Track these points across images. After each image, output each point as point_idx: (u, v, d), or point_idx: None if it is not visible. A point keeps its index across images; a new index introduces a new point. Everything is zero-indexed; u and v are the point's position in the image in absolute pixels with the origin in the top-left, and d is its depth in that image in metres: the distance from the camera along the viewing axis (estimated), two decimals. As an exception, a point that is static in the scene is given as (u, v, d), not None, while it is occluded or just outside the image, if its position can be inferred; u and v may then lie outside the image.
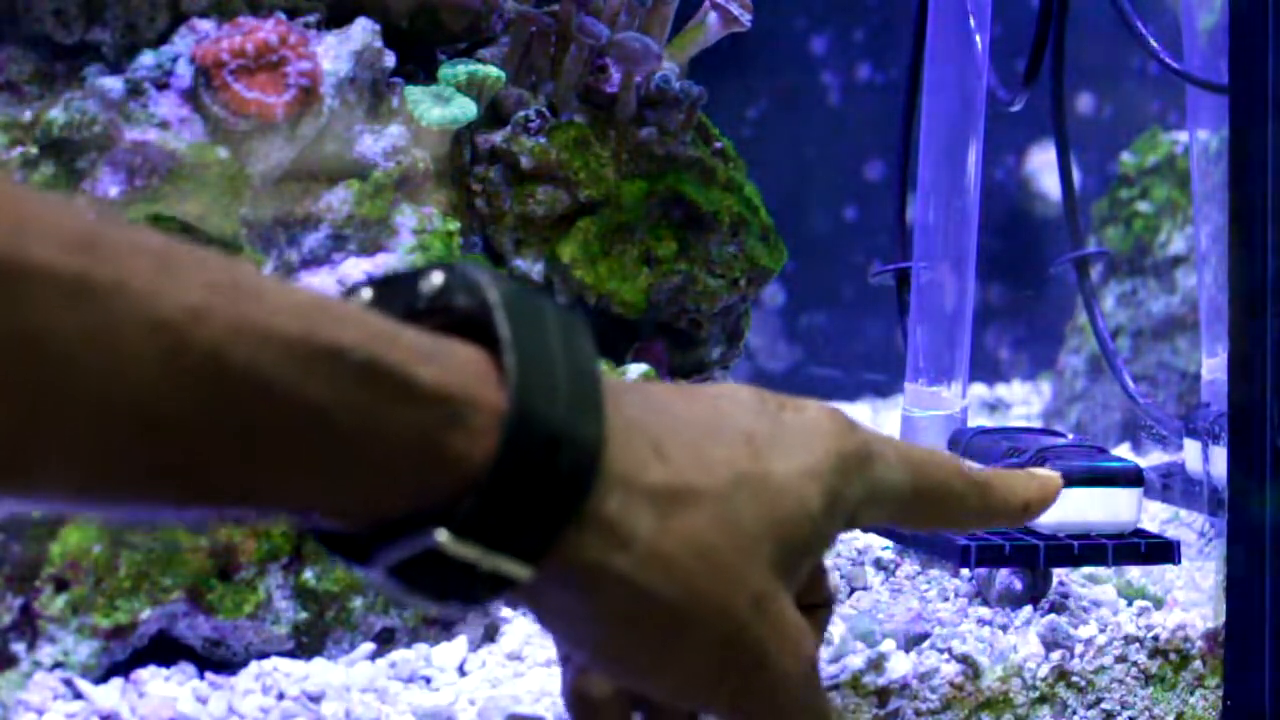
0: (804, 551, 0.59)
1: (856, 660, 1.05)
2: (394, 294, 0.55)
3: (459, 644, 1.05)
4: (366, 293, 0.55)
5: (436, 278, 0.55)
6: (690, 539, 0.56)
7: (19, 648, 1.00)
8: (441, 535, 0.52)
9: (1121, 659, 1.12)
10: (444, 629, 1.07)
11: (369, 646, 1.04)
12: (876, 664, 1.06)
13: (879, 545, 1.28)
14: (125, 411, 0.47)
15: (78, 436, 0.47)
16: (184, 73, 1.12)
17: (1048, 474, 0.67)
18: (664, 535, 0.55)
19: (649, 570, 0.55)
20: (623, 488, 0.55)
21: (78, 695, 1.00)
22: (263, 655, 1.03)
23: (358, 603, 1.04)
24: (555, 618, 0.57)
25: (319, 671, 1.00)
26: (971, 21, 1.31)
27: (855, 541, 1.30)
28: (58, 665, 1.00)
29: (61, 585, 0.99)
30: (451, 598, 0.54)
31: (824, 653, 1.05)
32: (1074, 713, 1.11)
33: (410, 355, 0.52)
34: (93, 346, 0.46)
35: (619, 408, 0.56)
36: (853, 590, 1.21)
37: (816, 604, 0.63)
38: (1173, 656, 1.13)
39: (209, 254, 0.50)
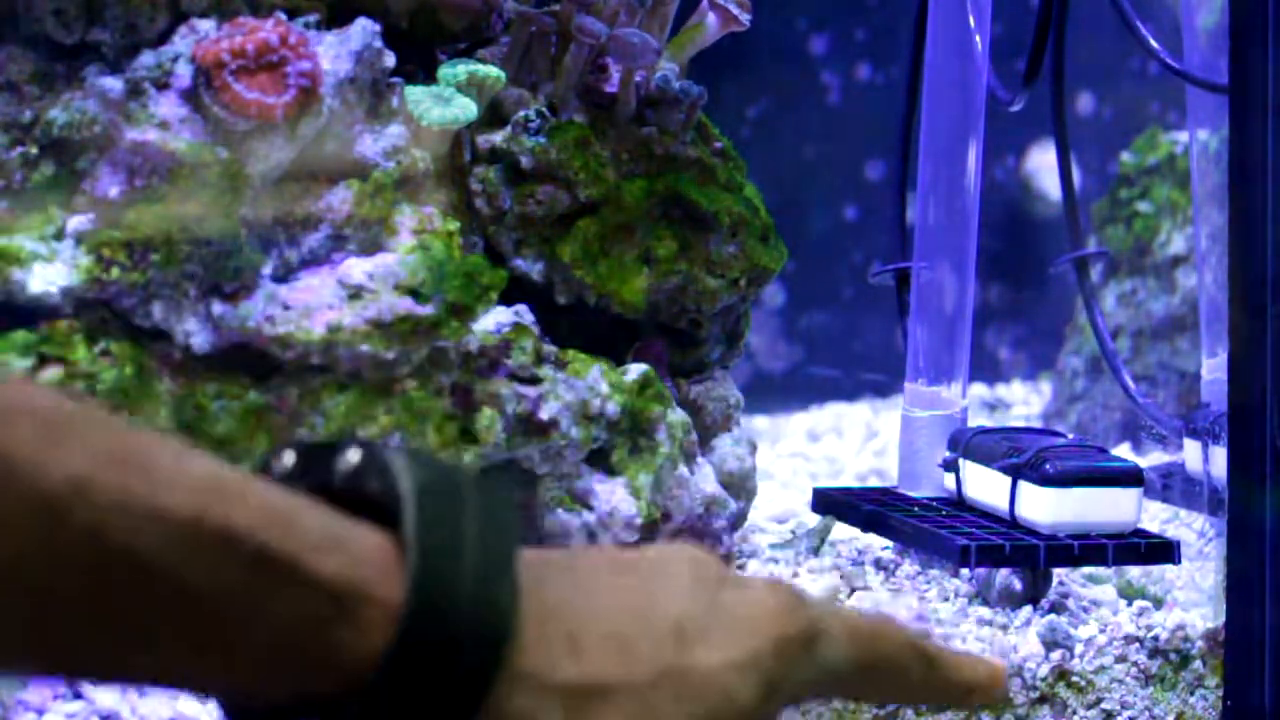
0: None
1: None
2: (316, 464, 0.53)
3: (459, 644, 1.05)
4: (289, 457, 0.53)
5: (352, 456, 0.53)
6: None
7: (19, 648, 0.99)
8: None
9: (1121, 659, 1.12)
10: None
11: (369, 646, 1.04)
12: (876, 664, 1.05)
13: (879, 545, 1.28)
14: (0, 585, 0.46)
15: None
16: (184, 73, 1.11)
17: (994, 662, 0.65)
18: None
19: None
20: (530, 685, 0.53)
21: (78, 695, 0.99)
22: (263, 655, 1.03)
23: (358, 603, 1.04)
24: None
25: (319, 671, 1.00)
26: (971, 21, 1.31)
27: (855, 541, 1.30)
28: (58, 665, 1.00)
29: None
30: None
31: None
32: (1074, 713, 1.11)
33: (305, 543, 0.50)
34: None
35: (539, 594, 0.54)
36: (853, 590, 1.21)
37: None
38: (1173, 656, 1.13)
39: (103, 418, 0.49)
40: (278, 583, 0.49)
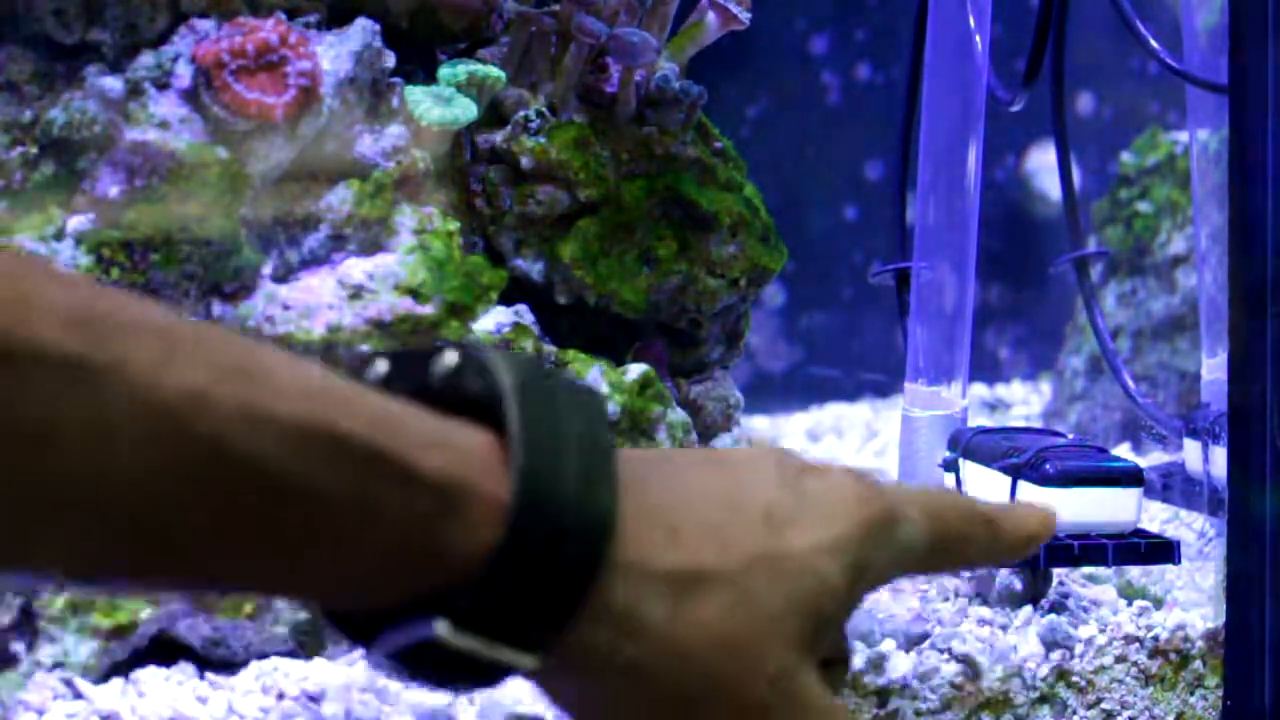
0: (825, 624, 0.58)
1: (856, 660, 1.05)
2: (408, 370, 0.54)
3: (459, 644, 1.05)
4: (383, 365, 0.54)
5: (450, 357, 0.54)
6: (704, 624, 0.55)
7: (19, 648, 1.00)
8: (440, 627, 0.52)
9: (1121, 659, 1.12)
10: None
11: (369, 646, 1.04)
12: (876, 664, 1.06)
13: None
14: (119, 496, 0.47)
15: (69, 521, 0.47)
16: (184, 73, 1.12)
17: (1044, 506, 0.67)
18: (676, 622, 0.54)
19: (661, 657, 0.54)
20: (634, 575, 0.54)
21: (78, 695, 1.00)
22: (263, 655, 1.03)
23: (358, 603, 1.04)
24: (564, 700, 0.56)
25: (319, 671, 1.00)
26: (971, 22, 1.31)
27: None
28: (58, 665, 1.00)
29: (62, 585, 0.99)
30: (453, 684, 0.54)
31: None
32: (1074, 713, 1.11)
33: (414, 443, 0.51)
34: (88, 430, 0.46)
35: (635, 488, 0.55)
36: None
37: (834, 659, 0.62)
38: (1173, 656, 1.13)
39: (216, 332, 0.50)
40: (388, 482, 0.50)
